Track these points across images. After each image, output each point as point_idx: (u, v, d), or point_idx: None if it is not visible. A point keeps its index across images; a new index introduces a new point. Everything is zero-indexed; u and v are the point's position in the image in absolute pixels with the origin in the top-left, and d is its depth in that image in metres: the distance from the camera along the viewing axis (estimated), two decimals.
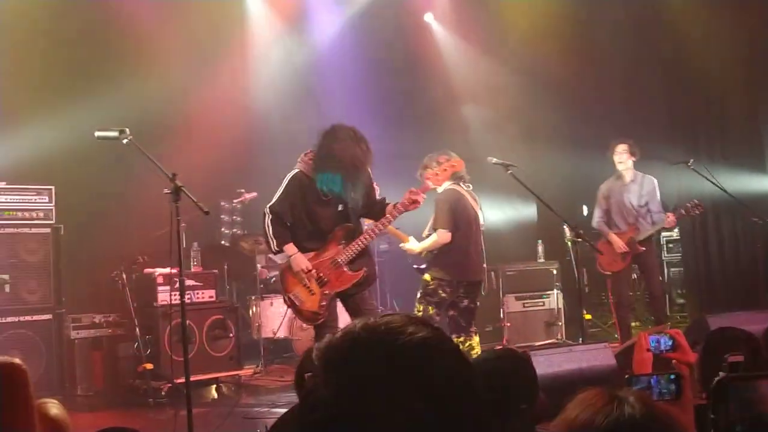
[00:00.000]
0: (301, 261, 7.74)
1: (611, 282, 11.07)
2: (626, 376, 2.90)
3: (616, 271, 10.88)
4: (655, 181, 10.97)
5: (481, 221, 9.39)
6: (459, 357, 1.70)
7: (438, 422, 1.60)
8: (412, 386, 1.59)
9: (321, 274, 7.77)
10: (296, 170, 7.84)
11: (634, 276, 13.89)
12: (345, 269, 7.82)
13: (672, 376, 2.73)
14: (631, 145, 10.93)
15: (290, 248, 7.75)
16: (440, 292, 8.99)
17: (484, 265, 9.45)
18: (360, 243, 7.83)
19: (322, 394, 1.63)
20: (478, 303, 9.35)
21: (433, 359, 1.64)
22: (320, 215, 7.80)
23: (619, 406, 2.10)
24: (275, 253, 8.11)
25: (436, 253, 9.09)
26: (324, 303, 7.80)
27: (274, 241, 7.75)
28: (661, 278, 14.28)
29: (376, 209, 8.03)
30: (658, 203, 10.93)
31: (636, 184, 10.94)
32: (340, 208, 7.84)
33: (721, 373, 2.45)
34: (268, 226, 7.76)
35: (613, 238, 10.81)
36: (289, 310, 11.36)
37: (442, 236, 8.97)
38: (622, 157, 10.89)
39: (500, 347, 7.53)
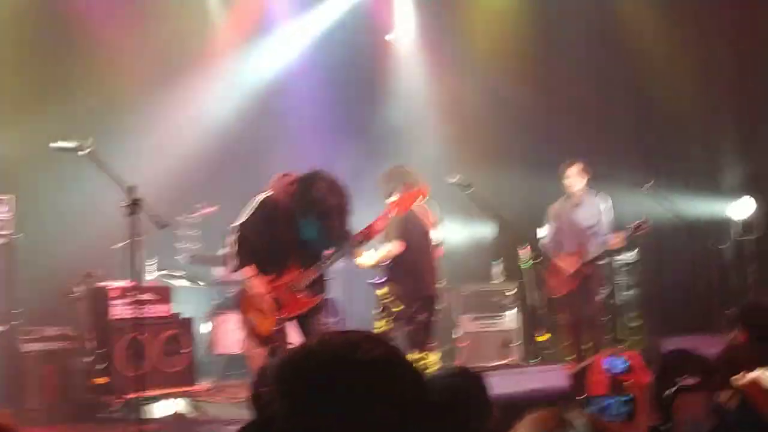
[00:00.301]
0: (259, 285, 7.71)
1: (563, 305, 11.04)
2: (581, 398, 2.91)
3: (565, 294, 10.82)
4: (608, 202, 10.92)
5: (436, 237, 9.37)
6: (414, 374, 1.70)
7: None
8: (367, 402, 1.58)
9: (277, 298, 7.74)
10: (268, 193, 7.81)
11: None
12: (301, 294, 7.79)
13: (625, 398, 2.75)
14: (584, 165, 10.88)
15: (249, 270, 7.72)
16: (394, 306, 8.99)
17: (439, 281, 9.42)
18: (317, 269, 7.80)
19: (278, 409, 1.62)
20: (437, 318, 9.34)
21: (388, 376, 1.64)
22: (284, 240, 7.76)
23: (568, 428, 2.11)
24: (233, 272, 8.10)
25: (390, 267, 9.09)
26: (277, 328, 7.77)
27: (236, 260, 7.72)
28: (612, 301, 14.35)
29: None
30: (609, 225, 10.85)
31: (587, 205, 10.87)
32: (303, 236, 7.81)
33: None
34: (232, 244, 7.74)
35: (561, 261, 10.75)
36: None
37: (395, 246, 8.96)
38: (575, 180, 10.85)
39: (454, 366, 7.52)
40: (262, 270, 7.74)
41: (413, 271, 9.07)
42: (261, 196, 7.80)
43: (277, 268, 7.78)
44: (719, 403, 1.78)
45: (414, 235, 9.04)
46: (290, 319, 7.87)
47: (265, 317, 7.75)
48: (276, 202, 7.72)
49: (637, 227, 10.58)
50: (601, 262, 11.01)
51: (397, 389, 1.64)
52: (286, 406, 1.62)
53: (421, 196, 8.53)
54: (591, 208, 10.84)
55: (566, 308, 10.93)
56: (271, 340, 7.79)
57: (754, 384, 1.80)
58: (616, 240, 10.59)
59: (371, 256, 9.10)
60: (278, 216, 7.70)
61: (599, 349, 10.50)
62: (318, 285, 7.90)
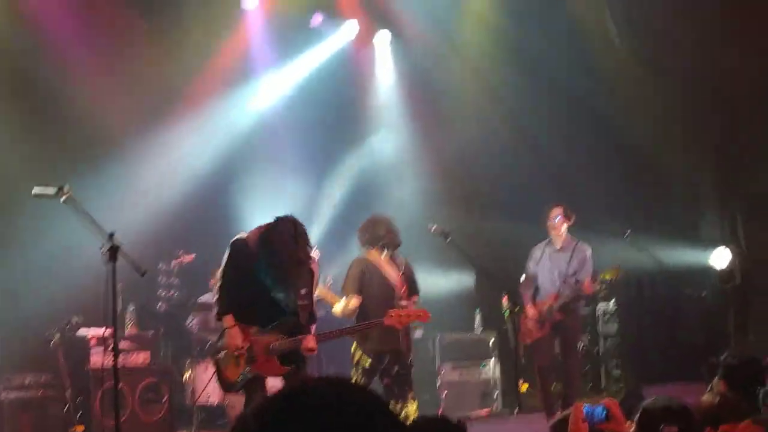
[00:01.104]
0: (236, 336, 7.57)
1: (533, 352, 10.82)
2: None
3: (535, 340, 10.59)
4: (589, 251, 10.73)
5: (409, 288, 9.23)
6: (395, 425, 1.68)
7: None
8: None
9: (253, 352, 7.63)
10: (240, 235, 7.76)
11: None
12: (275, 359, 7.69)
13: None
14: (566, 209, 10.74)
15: (229, 320, 7.59)
16: (363, 361, 8.91)
17: (409, 333, 9.31)
18: (295, 343, 7.71)
19: None
20: (412, 368, 9.22)
21: (369, 426, 1.62)
22: (261, 297, 7.69)
23: None
24: (217, 319, 8.00)
25: (355, 321, 9.02)
26: (241, 379, 7.67)
27: (217, 308, 7.67)
28: (594, 349, 14.35)
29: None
30: (589, 274, 10.59)
31: (567, 252, 10.69)
32: (281, 296, 7.78)
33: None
34: (216, 291, 7.68)
35: (527, 310, 10.48)
36: None
37: (351, 301, 8.91)
38: (555, 222, 10.70)
39: (435, 415, 7.45)
40: (244, 321, 7.64)
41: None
42: (232, 240, 7.76)
43: (258, 324, 7.69)
44: None
45: (374, 288, 8.96)
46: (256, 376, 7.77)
47: (235, 365, 7.66)
48: (244, 244, 7.68)
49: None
50: (574, 309, 10.80)
51: None
52: None
53: (419, 320, 8.48)
54: (572, 255, 10.67)
55: (537, 354, 10.77)
56: (233, 388, 7.72)
57: None
58: (588, 286, 10.40)
59: (338, 306, 9.08)
60: (248, 257, 7.65)
61: (576, 398, 10.44)
62: (293, 356, 7.81)
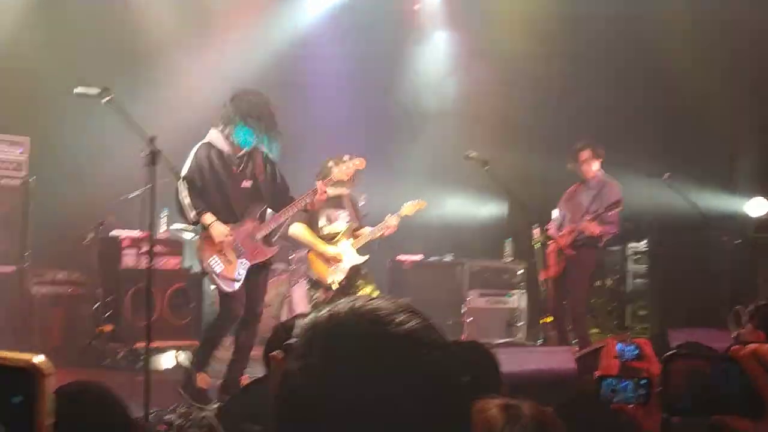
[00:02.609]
0: (222, 228, 7.74)
1: (551, 288, 10.71)
2: (597, 376, 2.89)
3: (551, 276, 10.54)
4: (617, 187, 10.58)
5: None
6: (446, 350, 1.68)
7: (420, 416, 1.58)
8: (397, 378, 1.56)
9: (238, 244, 7.77)
10: (204, 141, 7.87)
11: (598, 283, 13.91)
12: (260, 244, 7.87)
13: (642, 381, 2.73)
14: (594, 147, 10.64)
15: (208, 217, 7.72)
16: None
17: None
18: (276, 220, 7.98)
19: (302, 380, 1.59)
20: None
21: (421, 352, 1.62)
22: (231, 190, 7.83)
23: (516, 416, 2.18)
24: (193, 224, 8.08)
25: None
26: (242, 272, 7.80)
27: (192, 211, 7.67)
28: (621, 288, 14.33)
29: (282, 200, 8.13)
30: (613, 210, 10.35)
31: (593, 188, 10.62)
32: (247, 184, 7.91)
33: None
34: (184, 197, 7.68)
35: (553, 243, 10.42)
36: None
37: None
38: (585, 164, 10.59)
39: (466, 339, 7.52)
40: (221, 219, 7.78)
41: None
42: (197, 145, 7.87)
43: (233, 218, 7.87)
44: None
45: None
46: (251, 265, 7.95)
47: (228, 262, 7.77)
48: (210, 146, 7.80)
49: (608, 208, 10.28)
50: (584, 246, 10.54)
51: (431, 367, 1.62)
52: (311, 381, 1.59)
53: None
54: (598, 191, 10.57)
55: (553, 290, 10.68)
56: (234, 284, 7.84)
57: (754, 355, 1.81)
58: (586, 225, 10.29)
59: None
60: (213, 160, 7.80)
61: (582, 336, 10.45)
62: (271, 238, 8.12)
